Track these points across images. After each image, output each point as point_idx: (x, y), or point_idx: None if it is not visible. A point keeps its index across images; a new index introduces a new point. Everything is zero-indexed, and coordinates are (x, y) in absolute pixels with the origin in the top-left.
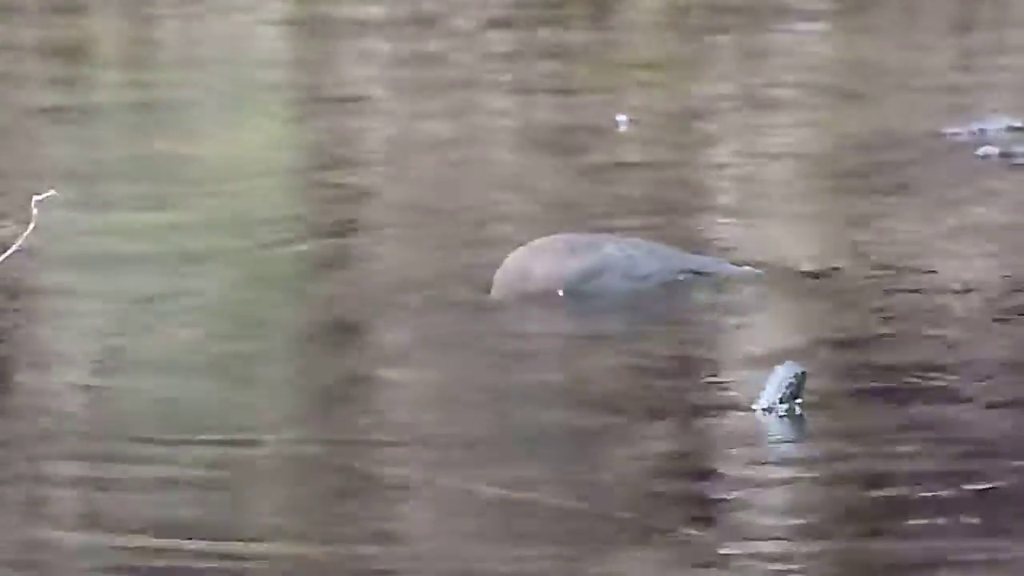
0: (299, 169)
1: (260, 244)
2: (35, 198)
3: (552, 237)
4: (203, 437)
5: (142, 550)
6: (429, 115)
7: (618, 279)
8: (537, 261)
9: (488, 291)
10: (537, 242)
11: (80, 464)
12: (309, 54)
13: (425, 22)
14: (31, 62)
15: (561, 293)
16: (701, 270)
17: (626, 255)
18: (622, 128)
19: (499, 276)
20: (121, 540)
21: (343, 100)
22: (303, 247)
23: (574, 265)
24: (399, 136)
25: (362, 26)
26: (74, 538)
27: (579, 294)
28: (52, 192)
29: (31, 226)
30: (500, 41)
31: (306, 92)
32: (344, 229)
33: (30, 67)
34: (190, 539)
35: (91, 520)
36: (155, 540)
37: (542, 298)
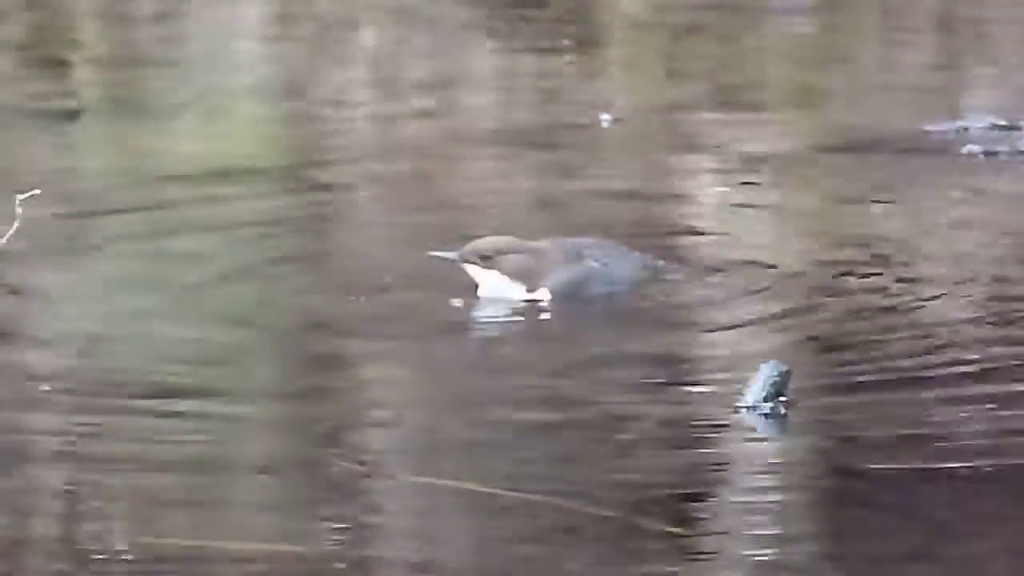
0: (279, 167)
1: (240, 242)
2: (18, 197)
3: (536, 244)
4: (185, 437)
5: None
6: (410, 113)
7: (599, 285)
8: (524, 265)
9: (473, 290)
10: (521, 245)
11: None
12: (290, 52)
13: (406, 21)
14: (11, 61)
15: (548, 297)
16: (654, 270)
17: (603, 264)
18: (605, 126)
19: (481, 275)
20: (95, 528)
21: (324, 98)
22: (283, 245)
23: (560, 273)
24: (380, 134)
25: (342, 24)
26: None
27: (562, 297)
28: (35, 191)
29: (15, 225)
30: (482, 38)
31: (287, 90)
32: (324, 227)
33: (10, 67)
34: (172, 536)
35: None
36: (141, 538)
37: (527, 300)
